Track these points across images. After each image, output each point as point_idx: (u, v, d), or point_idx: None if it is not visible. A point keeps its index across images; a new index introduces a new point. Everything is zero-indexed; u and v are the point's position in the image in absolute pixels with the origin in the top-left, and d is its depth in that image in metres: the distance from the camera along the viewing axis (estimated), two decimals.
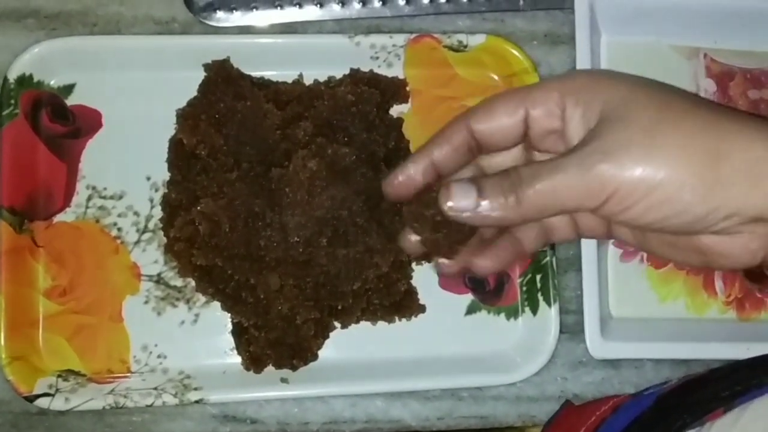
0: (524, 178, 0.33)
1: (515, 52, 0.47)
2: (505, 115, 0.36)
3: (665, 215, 0.32)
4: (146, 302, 0.46)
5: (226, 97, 0.43)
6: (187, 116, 0.43)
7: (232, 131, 0.42)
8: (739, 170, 0.31)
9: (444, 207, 0.34)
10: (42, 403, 0.43)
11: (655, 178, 0.31)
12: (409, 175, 0.37)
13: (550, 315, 0.46)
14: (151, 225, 0.46)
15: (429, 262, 0.44)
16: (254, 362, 0.43)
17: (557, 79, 0.36)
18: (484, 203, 0.34)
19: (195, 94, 0.44)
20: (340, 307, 0.43)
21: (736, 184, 0.31)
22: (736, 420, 0.35)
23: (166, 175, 0.45)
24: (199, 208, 0.41)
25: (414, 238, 0.37)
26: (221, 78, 0.43)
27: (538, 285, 0.47)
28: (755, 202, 0.31)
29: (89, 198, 0.46)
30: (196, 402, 0.44)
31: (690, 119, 0.32)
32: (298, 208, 0.40)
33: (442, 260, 0.38)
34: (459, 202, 0.34)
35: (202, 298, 0.45)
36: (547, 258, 0.46)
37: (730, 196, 0.31)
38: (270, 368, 0.44)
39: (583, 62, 0.47)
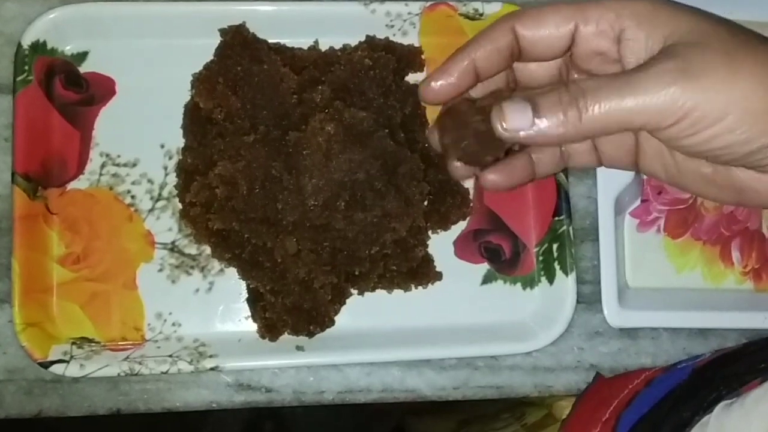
0: (588, 91, 0.31)
1: None
2: (554, 26, 0.34)
3: (731, 143, 0.31)
4: (160, 270, 0.45)
5: (242, 61, 0.42)
6: (203, 80, 0.43)
7: (249, 95, 0.42)
8: None
9: (498, 128, 0.33)
10: (57, 369, 0.42)
11: (734, 103, 0.30)
12: (448, 75, 0.36)
13: (566, 284, 0.46)
14: (165, 193, 0.46)
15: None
16: (269, 330, 0.43)
17: (614, 2, 0.34)
18: (542, 120, 0.32)
19: (208, 61, 0.44)
20: (357, 273, 0.42)
21: None
22: None
23: (180, 143, 0.45)
24: (216, 171, 0.40)
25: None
26: (238, 42, 0.43)
27: (555, 254, 0.46)
28: None
29: (103, 165, 0.46)
30: (211, 369, 0.43)
31: (765, 48, 0.31)
32: (315, 171, 0.40)
33: (456, 163, 0.38)
34: (514, 122, 0.32)
35: (217, 266, 0.45)
36: (564, 227, 0.46)
37: None
38: (285, 336, 0.44)
39: None
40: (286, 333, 0.43)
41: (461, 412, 0.70)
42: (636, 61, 0.33)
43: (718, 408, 0.36)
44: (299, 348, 0.44)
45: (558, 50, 0.36)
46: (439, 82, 0.36)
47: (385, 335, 0.45)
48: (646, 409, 0.40)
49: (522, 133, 0.32)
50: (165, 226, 0.46)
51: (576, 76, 0.37)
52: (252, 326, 0.44)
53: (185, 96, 0.45)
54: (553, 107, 0.32)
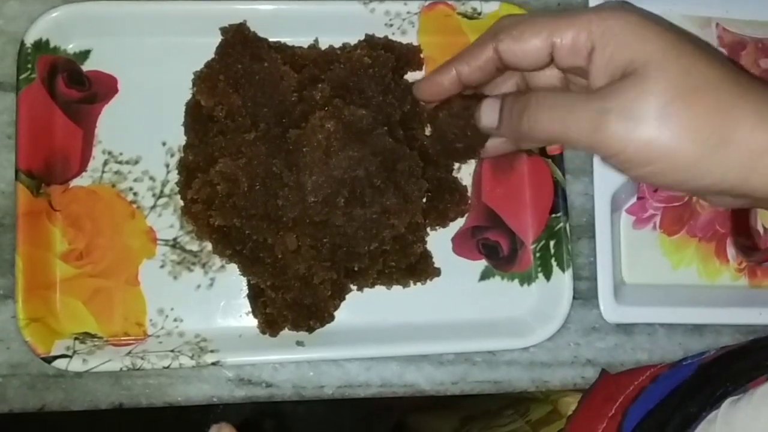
0: (538, 106, 0.35)
1: None
2: (532, 44, 0.37)
3: (662, 182, 0.34)
4: (162, 266, 0.46)
5: (243, 59, 0.43)
6: (204, 78, 0.43)
7: (250, 92, 0.42)
8: (741, 158, 0.32)
9: (478, 123, 0.40)
10: (60, 364, 0.43)
11: (660, 151, 0.32)
12: (438, 82, 0.41)
13: (563, 280, 0.46)
14: (167, 190, 0.46)
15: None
16: (270, 325, 0.44)
17: (588, 19, 0.35)
18: (503, 120, 0.38)
19: (209, 59, 0.45)
20: (356, 269, 0.43)
21: (735, 169, 0.32)
22: None
23: (182, 141, 0.45)
24: (217, 167, 0.41)
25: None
26: (238, 41, 0.43)
27: (552, 251, 0.47)
28: (753, 186, 0.32)
29: (105, 163, 0.46)
30: (212, 364, 0.44)
31: (708, 98, 0.32)
32: (315, 168, 0.40)
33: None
34: (485, 120, 0.39)
35: (218, 262, 0.46)
36: (561, 224, 0.47)
37: (727, 179, 0.33)
38: (285, 332, 0.44)
39: None
40: (286, 328, 0.44)
41: (464, 409, 0.71)
42: (598, 81, 0.35)
43: (725, 404, 0.36)
44: (299, 343, 0.45)
45: (540, 63, 0.38)
46: (430, 82, 0.42)
47: (384, 331, 0.46)
48: (653, 404, 0.41)
49: (493, 128, 0.39)
50: (167, 222, 0.46)
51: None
52: (253, 322, 0.45)
53: (187, 94, 0.45)
54: (512, 111, 0.37)
